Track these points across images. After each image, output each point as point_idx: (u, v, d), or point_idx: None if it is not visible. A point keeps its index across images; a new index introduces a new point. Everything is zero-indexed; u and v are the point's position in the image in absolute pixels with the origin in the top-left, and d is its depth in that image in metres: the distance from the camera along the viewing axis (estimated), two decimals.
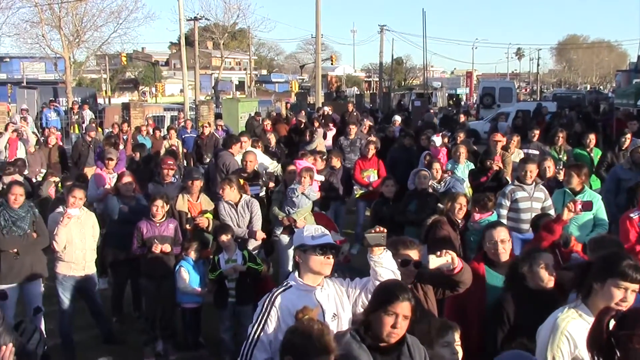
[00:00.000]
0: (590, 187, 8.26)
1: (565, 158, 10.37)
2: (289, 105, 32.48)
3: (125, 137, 15.35)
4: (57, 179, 10.05)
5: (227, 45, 53.59)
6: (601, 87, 78.22)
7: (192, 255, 6.71)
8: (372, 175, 10.43)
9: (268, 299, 3.43)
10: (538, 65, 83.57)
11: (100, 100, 40.77)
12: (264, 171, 9.47)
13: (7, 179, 8.75)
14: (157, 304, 6.74)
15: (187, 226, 7.32)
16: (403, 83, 70.96)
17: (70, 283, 6.64)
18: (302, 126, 16.01)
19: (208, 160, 13.53)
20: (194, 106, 25.62)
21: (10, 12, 30.97)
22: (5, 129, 13.47)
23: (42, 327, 6.36)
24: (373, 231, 3.46)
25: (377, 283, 3.39)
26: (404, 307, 3.01)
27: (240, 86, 68.22)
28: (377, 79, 62.11)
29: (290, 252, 7.13)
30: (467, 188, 9.11)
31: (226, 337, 6.46)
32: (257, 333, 3.35)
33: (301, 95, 37.76)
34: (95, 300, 6.96)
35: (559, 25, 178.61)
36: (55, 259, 6.64)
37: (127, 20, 33.29)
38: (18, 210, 6.35)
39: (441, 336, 3.54)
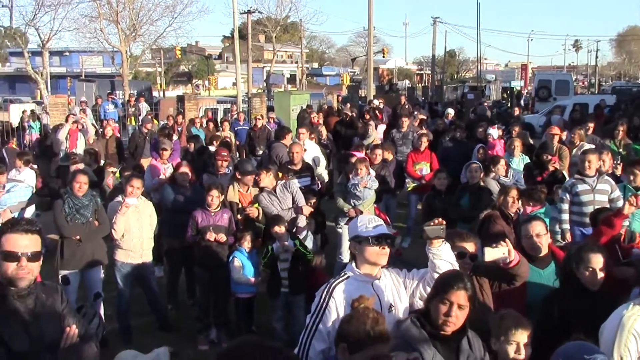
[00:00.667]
0: None
1: (624, 152, 10.07)
2: (340, 98, 32.48)
3: (179, 129, 15.65)
4: (115, 169, 10.33)
5: (279, 38, 53.85)
6: None
7: (246, 245, 6.77)
8: (424, 168, 10.34)
9: (326, 289, 3.44)
10: (597, 57, 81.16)
11: (155, 93, 41.66)
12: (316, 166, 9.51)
13: (72, 168, 9.00)
14: (210, 293, 6.86)
15: (238, 216, 7.41)
16: (455, 76, 70.05)
17: (128, 270, 6.80)
18: (348, 119, 16.04)
19: (260, 152, 13.71)
20: (247, 99, 25.91)
21: (70, 8, 32.03)
22: (66, 121, 13.90)
23: (102, 312, 6.53)
24: (432, 223, 3.44)
25: (435, 275, 3.37)
26: (458, 296, 3.02)
27: (292, 79, 68.63)
28: (429, 72, 61.44)
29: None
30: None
31: (278, 327, 6.52)
32: (316, 323, 3.36)
33: (353, 88, 37.64)
34: (152, 288, 7.11)
35: (619, 16, 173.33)
36: (114, 246, 6.81)
37: (181, 14, 34.06)
38: (82, 199, 6.50)
39: (509, 334, 3.44)
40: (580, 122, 14.96)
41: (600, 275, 3.90)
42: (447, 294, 3.03)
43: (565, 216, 7.03)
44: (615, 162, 8.07)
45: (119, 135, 15.52)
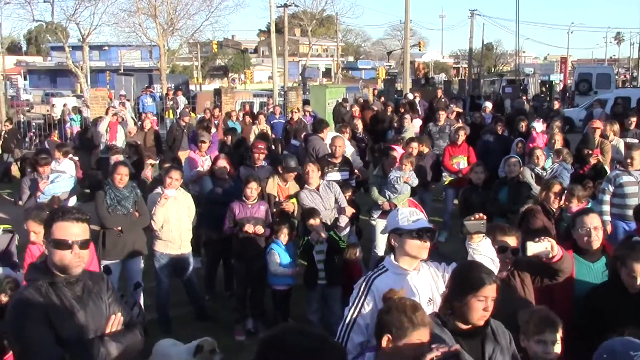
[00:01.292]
0: None
1: None
2: (376, 92, 32.34)
3: (216, 122, 15.78)
4: (154, 162, 10.48)
5: (314, 32, 53.96)
6: None
7: (283, 237, 6.79)
8: (461, 162, 10.24)
9: (364, 282, 3.43)
10: (639, 50, 79.10)
11: (191, 87, 42.10)
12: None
13: (112, 160, 9.15)
14: (247, 284, 6.92)
15: (274, 209, 7.44)
16: (493, 69, 69.08)
17: (167, 260, 6.89)
18: (376, 113, 15.99)
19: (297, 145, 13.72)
20: (283, 92, 25.99)
21: (110, 2, 32.63)
22: (106, 113, 14.12)
23: (141, 301, 6.63)
24: (472, 218, 3.41)
25: None
26: (492, 290, 2.99)
27: (327, 73, 68.49)
28: (466, 65, 60.70)
29: (385, 236, 7.16)
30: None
31: (314, 319, 6.54)
32: (354, 316, 3.35)
33: (389, 82, 37.45)
34: (190, 278, 7.18)
35: None
36: (153, 237, 6.91)
37: (218, 9, 34.49)
38: (123, 190, 6.61)
39: (537, 332, 3.38)
40: (623, 116, 14.62)
41: None
42: (481, 290, 2.96)
43: (607, 207, 6.89)
44: None
45: (157, 128, 15.70)
